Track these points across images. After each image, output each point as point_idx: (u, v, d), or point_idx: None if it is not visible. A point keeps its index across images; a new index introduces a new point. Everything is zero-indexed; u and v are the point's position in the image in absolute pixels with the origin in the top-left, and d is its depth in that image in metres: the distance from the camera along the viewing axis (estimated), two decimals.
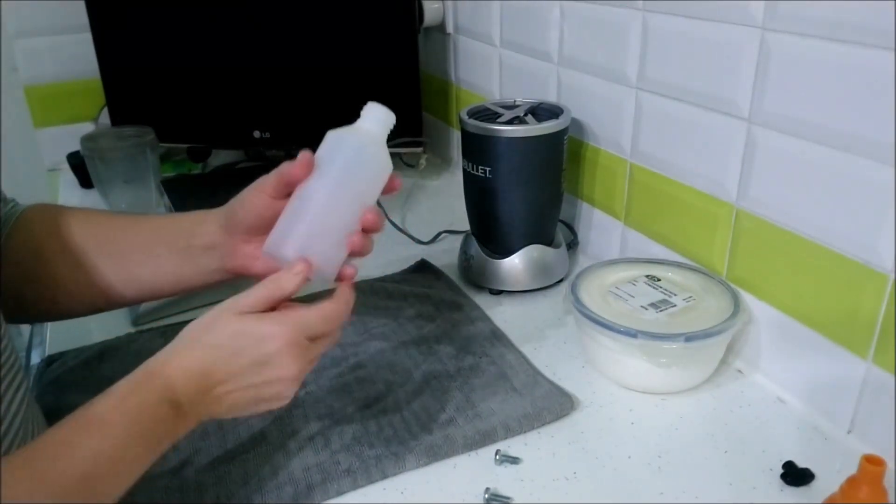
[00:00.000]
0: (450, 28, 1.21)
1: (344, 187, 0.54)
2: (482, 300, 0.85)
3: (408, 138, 1.13)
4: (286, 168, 0.54)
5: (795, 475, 0.58)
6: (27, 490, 0.40)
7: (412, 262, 0.94)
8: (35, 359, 0.88)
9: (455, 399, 0.67)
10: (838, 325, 0.62)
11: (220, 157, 1.34)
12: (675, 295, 0.71)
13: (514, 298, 0.86)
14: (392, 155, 0.57)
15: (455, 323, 0.79)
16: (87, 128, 1.31)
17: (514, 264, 0.85)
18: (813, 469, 0.58)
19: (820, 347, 0.64)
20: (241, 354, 0.49)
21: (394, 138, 0.58)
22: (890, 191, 0.55)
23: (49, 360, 0.75)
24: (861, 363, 0.60)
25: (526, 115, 0.85)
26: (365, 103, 0.58)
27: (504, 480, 0.59)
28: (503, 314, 0.83)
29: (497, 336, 0.77)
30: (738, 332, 0.69)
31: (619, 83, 0.82)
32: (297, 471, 0.59)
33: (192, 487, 0.57)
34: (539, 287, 0.87)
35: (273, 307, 0.51)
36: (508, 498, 0.56)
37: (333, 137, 0.55)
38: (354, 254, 0.55)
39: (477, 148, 0.82)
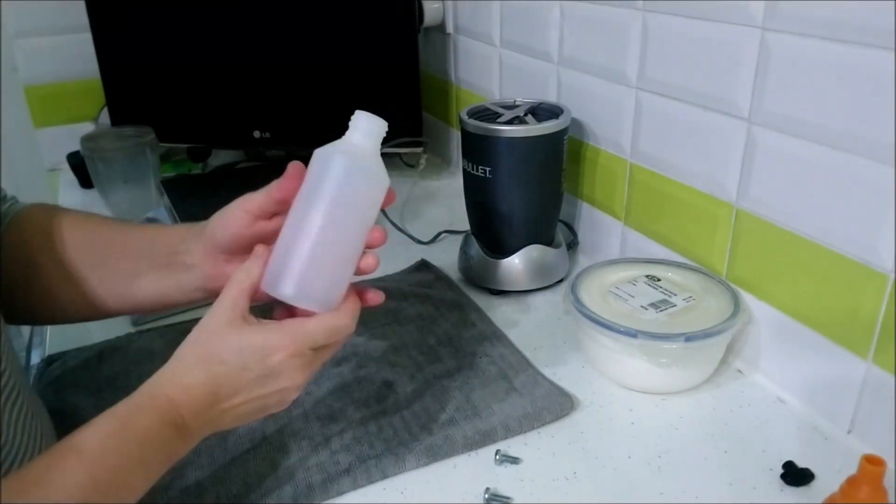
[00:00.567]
0: (450, 28, 1.21)
1: (338, 213, 0.50)
2: (482, 300, 0.85)
3: (408, 138, 1.13)
4: (274, 187, 0.53)
5: (795, 475, 0.58)
6: None
7: (412, 262, 0.94)
8: (35, 359, 0.89)
9: (455, 399, 0.67)
10: (838, 325, 0.62)
11: (221, 157, 1.34)
12: (675, 295, 0.71)
13: (514, 298, 0.87)
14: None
15: (455, 323, 0.79)
16: (87, 128, 1.31)
17: (514, 264, 0.85)
18: (813, 469, 0.58)
19: (820, 347, 0.64)
20: (248, 369, 0.48)
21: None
22: (890, 191, 0.55)
23: (49, 360, 0.75)
24: (861, 363, 0.60)
25: (526, 115, 0.85)
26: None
27: (504, 480, 0.59)
28: (503, 314, 0.83)
29: (497, 336, 0.77)
30: (737, 332, 0.69)
31: (619, 83, 0.82)
32: (297, 471, 0.59)
33: (192, 487, 0.57)
34: (539, 287, 0.87)
35: (256, 294, 0.50)
36: (508, 498, 0.56)
37: (322, 157, 0.51)
38: (360, 273, 0.54)
39: (477, 148, 0.82)
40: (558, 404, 0.66)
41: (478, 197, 0.86)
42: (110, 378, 0.71)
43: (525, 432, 0.64)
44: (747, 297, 0.71)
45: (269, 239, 0.53)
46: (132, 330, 0.80)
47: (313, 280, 0.50)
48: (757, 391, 0.69)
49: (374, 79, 1.13)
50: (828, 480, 0.57)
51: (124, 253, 0.60)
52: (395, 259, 0.95)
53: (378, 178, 0.52)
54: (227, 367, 0.48)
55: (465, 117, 0.83)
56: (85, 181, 1.21)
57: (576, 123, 0.91)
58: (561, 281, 0.89)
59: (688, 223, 0.77)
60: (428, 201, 1.16)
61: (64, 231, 0.59)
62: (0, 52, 1.27)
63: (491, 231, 0.87)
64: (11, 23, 1.27)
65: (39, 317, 0.62)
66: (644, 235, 0.84)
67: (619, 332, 0.66)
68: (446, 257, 0.95)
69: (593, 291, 0.73)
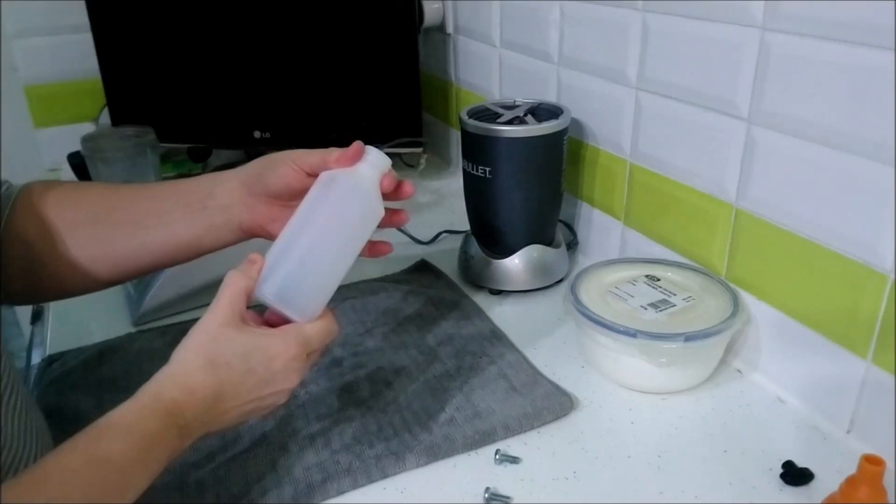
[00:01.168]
0: (450, 28, 1.21)
1: (330, 230, 0.54)
2: (482, 300, 0.85)
3: (408, 138, 1.13)
4: (335, 155, 0.56)
5: (795, 475, 0.58)
6: None
7: (412, 262, 0.94)
8: (35, 359, 0.89)
9: (455, 399, 0.67)
10: (838, 325, 0.62)
11: (221, 157, 1.34)
12: (675, 295, 0.72)
13: (513, 298, 0.87)
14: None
15: (455, 323, 0.79)
16: (88, 128, 1.31)
17: (514, 264, 0.85)
18: (812, 469, 0.58)
19: (819, 347, 0.64)
20: (252, 372, 0.49)
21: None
22: (890, 191, 0.55)
23: (49, 360, 0.76)
24: (860, 363, 0.60)
25: (526, 115, 0.85)
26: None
27: (504, 480, 0.59)
28: (503, 314, 0.83)
29: (497, 336, 0.77)
30: (737, 332, 0.69)
31: (619, 83, 0.83)
32: (297, 470, 0.59)
33: (192, 487, 0.57)
34: (539, 287, 0.87)
35: (249, 296, 0.52)
36: (508, 497, 0.57)
37: (325, 178, 0.55)
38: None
39: (477, 148, 0.82)
40: (558, 404, 0.66)
41: (478, 197, 0.86)
42: (111, 378, 0.71)
43: (525, 432, 0.64)
44: (747, 297, 0.71)
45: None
46: (133, 330, 0.81)
47: (297, 288, 0.53)
48: (756, 391, 0.69)
49: (374, 79, 1.13)
50: (827, 480, 0.57)
51: (151, 204, 0.61)
52: (395, 259, 0.95)
53: (374, 206, 0.56)
54: (232, 370, 0.49)
55: (465, 117, 0.83)
56: (85, 181, 1.21)
57: (576, 124, 0.91)
58: (561, 281, 0.89)
59: (687, 223, 0.77)
60: (428, 201, 1.16)
61: (81, 194, 0.61)
62: (0, 52, 1.27)
63: (491, 231, 0.87)
64: (11, 23, 1.27)
65: (61, 289, 0.62)
66: (643, 235, 0.85)
67: (618, 331, 0.66)
68: (446, 257, 0.95)
69: (593, 291, 0.73)
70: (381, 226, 0.60)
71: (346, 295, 0.86)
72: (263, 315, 0.55)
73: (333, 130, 1.16)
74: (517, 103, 0.89)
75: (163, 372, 0.49)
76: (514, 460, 0.60)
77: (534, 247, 0.85)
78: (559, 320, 0.82)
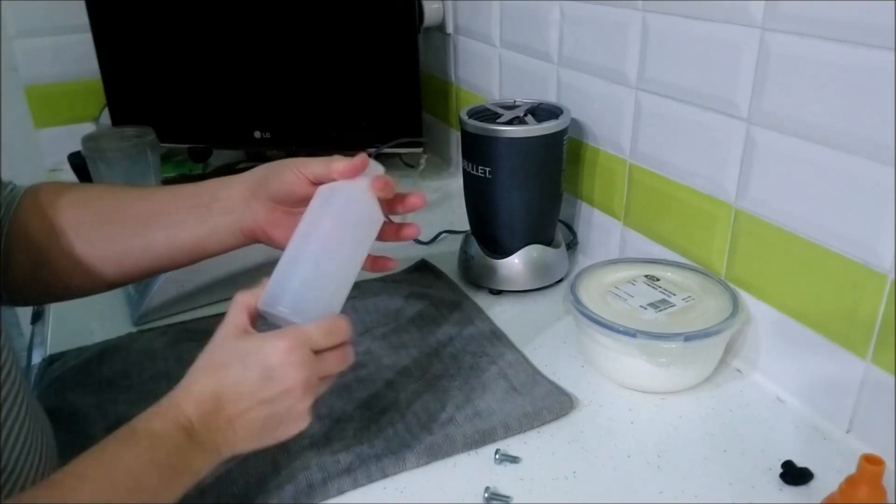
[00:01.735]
0: (450, 28, 1.21)
1: (335, 240, 0.55)
2: (482, 300, 0.85)
3: (408, 138, 1.13)
4: (338, 167, 0.57)
5: (794, 474, 0.58)
6: None
7: (412, 262, 0.94)
8: (36, 358, 0.89)
9: (455, 398, 0.67)
10: (837, 325, 0.62)
11: (221, 158, 1.34)
12: (675, 295, 0.72)
13: (513, 298, 0.87)
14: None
15: (455, 323, 0.79)
16: (88, 128, 1.31)
17: (514, 264, 0.85)
18: (812, 468, 0.58)
19: (819, 347, 0.64)
20: (248, 369, 0.49)
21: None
22: (890, 191, 0.55)
23: (50, 360, 0.76)
24: (860, 363, 0.60)
25: (526, 115, 0.85)
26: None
27: (504, 480, 0.59)
28: (503, 314, 0.83)
29: (497, 336, 0.77)
30: (737, 332, 0.69)
31: (619, 83, 0.83)
32: (297, 470, 0.59)
33: (193, 487, 0.57)
34: (539, 287, 0.87)
35: (256, 313, 0.53)
36: (508, 497, 0.57)
37: (323, 191, 0.57)
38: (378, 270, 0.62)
39: (477, 148, 0.83)
40: (558, 404, 0.66)
41: (478, 197, 0.86)
42: (111, 378, 0.71)
43: (525, 432, 0.64)
44: (746, 297, 0.71)
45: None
46: (133, 330, 0.81)
47: (309, 299, 0.53)
48: (756, 391, 0.69)
49: (374, 79, 1.13)
50: (827, 480, 0.57)
51: (154, 206, 0.62)
52: (396, 259, 0.95)
53: (373, 212, 0.57)
54: (229, 370, 0.50)
55: (465, 117, 0.83)
56: (86, 181, 1.21)
57: (575, 124, 0.91)
58: (560, 281, 0.89)
59: (687, 223, 0.77)
60: (428, 201, 1.16)
61: (86, 195, 0.62)
62: (0, 52, 1.27)
63: (491, 231, 0.87)
64: (12, 23, 1.27)
65: (65, 290, 0.63)
66: (643, 235, 0.85)
67: (618, 331, 0.66)
68: (446, 257, 0.95)
69: (593, 291, 0.73)
70: (389, 239, 0.61)
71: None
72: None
73: (333, 130, 1.16)
74: (517, 103, 0.89)
75: (175, 390, 0.50)
76: (514, 460, 0.60)
77: (534, 247, 0.86)
78: (559, 320, 0.82)
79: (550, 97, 0.95)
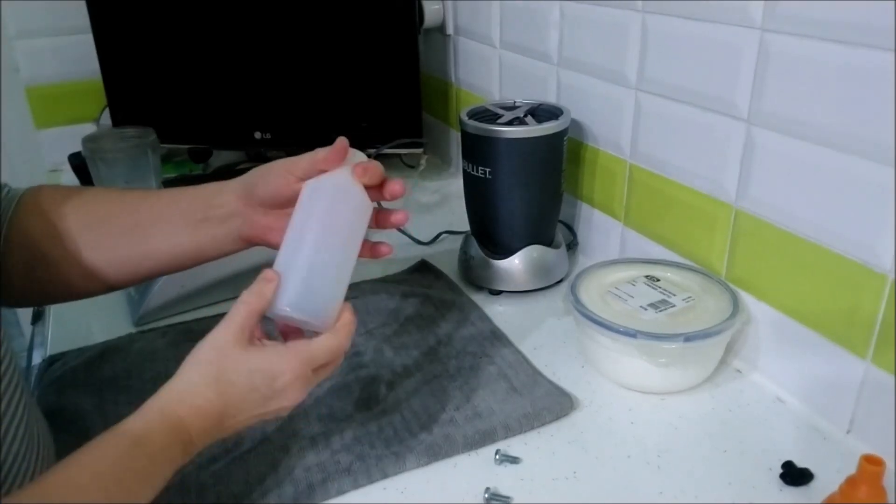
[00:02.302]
0: (450, 29, 1.21)
1: (329, 233, 0.55)
2: (482, 300, 0.85)
3: (408, 139, 1.13)
4: (321, 155, 0.57)
5: (794, 475, 0.58)
6: None
7: (412, 263, 0.94)
8: (36, 359, 0.89)
9: (455, 399, 0.67)
10: (837, 325, 0.62)
11: (222, 158, 1.34)
12: (675, 295, 0.72)
13: (513, 298, 0.87)
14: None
15: (455, 323, 0.80)
16: (89, 128, 1.32)
17: (514, 264, 0.85)
18: (812, 469, 0.58)
19: (819, 347, 0.64)
20: (255, 390, 0.50)
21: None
22: (889, 191, 0.55)
23: (50, 360, 0.76)
24: (860, 363, 0.60)
25: (526, 116, 0.85)
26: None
27: (504, 480, 0.59)
28: (503, 314, 0.83)
29: (497, 336, 0.77)
30: (737, 332, 0.69)
31: (619, 84, 0.83)
32: (297, 470, 0.59)
33: (192, 487, 0.57)
34: (539, 287, 0.87)
35: (262, 316, 0.52)
36: (508, 497, 0.57)
37: (311, 185, 0.57)
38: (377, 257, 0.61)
39: (477, 149, 0.83)
40: (558, 404, 0.66)
41: (478, 197, 0.86)
42: (111, 378, 0.71)
43: (525, 432, 0.64)
44: (746, 298, 0.71)
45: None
46: (134, 330, 0.81)
47: (311, 295, 0.53)
48: (756, 391, 0.69)
49: (375, 79, 1.13)
50: (827, 480, 0.57)
51: (154, 212, 0.62)
52: (395, 259, 0.96)
53: (360, 198, 0.57)
54: (236, 388, 0.50)
55: (465, 118, 0.83)
56: (86, 182, 1.20)
57: (575, 124, 0.91)
58: (561, 281, 0.89)
59: (687, 223, 0.77)
60: (428, 202, 1.17)
61: (85, 199, 0.62)
62: (0, 52, 1.27)
63: (491, 231, 0.87)
64: (12, 23, 1.27)
65: (64, 293, 0.63)
66: (643, 236, 0.85)
67: (618, 332, 0.66)
68: (446, 257, 0.95)
69: (593, 292, 0.73)
70: (381, 226, 0.61)
71: (347, 295, 0.85)
72: (277, 326, 0.56)
73: (333, 131, 1.16)
74: (517, 104, 0.89)
75: (169, 387, 0.50)
76: (514, 460, 0.60)
77: (534, 247, 0.86)
78: (559, 320, 0.82)
79: (550, 98, 0.95)
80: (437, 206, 1.15)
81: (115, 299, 0.86)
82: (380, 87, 1.14)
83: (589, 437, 0.63)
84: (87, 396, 0.69)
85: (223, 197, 0.61)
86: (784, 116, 0.63)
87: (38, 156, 1.35)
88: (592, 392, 0.69)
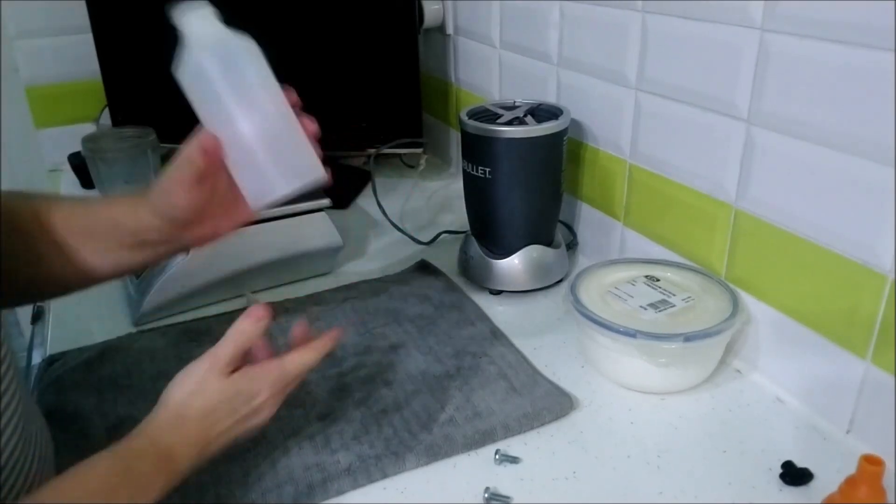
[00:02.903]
0: (450, 29, 1.21)
1: (245, 100, 0.53)
2: (482, 300, 0.85)
3: (408, 139, 1.13)
4: (197, 159, 0.55)
5: (794, 475, 0.58)
6: None
7: (412, 262, 0.94)
8: (36, 359, 0.89)
9: (455, 399, 0.67)
10: (837, 326, 0.62)
11: None
12: (674, 295, 0.72)
13: (513, 298, 0.87)
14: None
15: (455, 323, 0.80)
16: (89, 128, 1.31)
17: (514, 264, 0.85)
18: (812, 469, 0.58)
19: (819, 347, 0.64)
20: (236, 412, 0.54)
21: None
22: (889, 191, 0.55)
23: (50, 360, 0.76)
24: (860, 363, 0.60)
25: (525, 115, 0.85)
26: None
27: (504, 480, 0.59)
28: (503, 314, 0.83)
29: (497, 336, 0.77)
30: (736, 332, 0.69)
31: (619, 84, 0.83)
32: (297, 470, 0.59)
33: (192, 487, 0.57)
34: (538, 287, 0.87)
35: (247, 353, 0.55)
36: (508, 497, 0.57)
37: (189, 70, 0.54)
38: (308, 135, 0.57)
39: (477, 149, 0.83)
40: (558, 404, 0.66)
41: (478, 197, 0.86)
42: (111, 378, 0.71)
43: (525, 432, 0.64)
44: (746, 298, 0.71)
45: (213, 198, 0.57)
46: (133, 330, 0.81)
47: (286, 162, 0.53)
48: (756, 391, 0.69)
49: (375, 80, 1.13)
50: (827, 480, 0.57)
51: (97, 231, 0.60)
52: (395, 259, 0.96)
53: (244, 47, 0.55)
54: (219, 412, 0.53)
55: (465, 118, 0.83)
56: (86, 182, 1.21)
57: (575, 124, 0.91)
58: (560, 281, 0.89)
59: (687, 224, 0.77)
60: (428, 202, 1.17)
61: (51, 207, 0.60)
62: (0, 52, 1.27)
63: (491, 231, 0.87)
64: (12, 24, 1.27)
65: (42, 291, 0.64)
66: (643, 236, 0.85)
67: (618, 332, 0.66)
68: (446, 257, 0.95)
69: (593, 292, 0.73)
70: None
71: (347, 295, 0.86)
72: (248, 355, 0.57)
73: (333, 131, 1.16)
74: (517, 104, 0.89)
75: (158, 415, 0.52)
76: (513, 460, 0.60)
77: (533, 247, 0.86)
78: (559, 320, 0.82)
79: (550, 98, 0.95)
80: (437, 206, 1.15)
81: (115, 299, 0.86)
82: (380, 87, 1.14)
83: (589, 437, 0.63)
84: (86, 396, 0.69)
85: (147, 223, 0.58)
86: (784, 116, 0.63)
87: (38, 156, 1.35)
88: (592, 392, 0.69)
